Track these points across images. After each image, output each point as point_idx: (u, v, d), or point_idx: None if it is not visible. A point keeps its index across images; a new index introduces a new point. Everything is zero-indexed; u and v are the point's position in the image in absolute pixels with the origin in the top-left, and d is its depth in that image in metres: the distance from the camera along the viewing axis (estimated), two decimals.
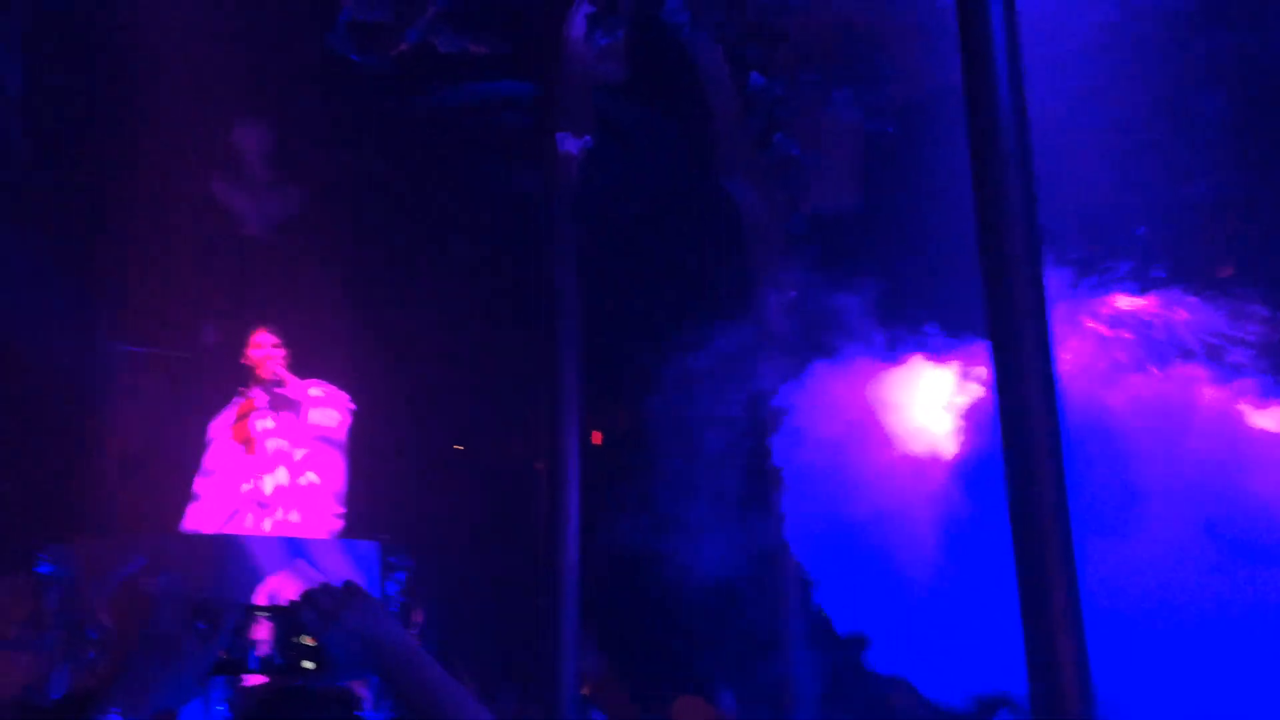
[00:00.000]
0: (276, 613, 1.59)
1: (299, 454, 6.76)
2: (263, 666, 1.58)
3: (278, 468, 6.75)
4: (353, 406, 6.97)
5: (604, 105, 4.49)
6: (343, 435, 6.89)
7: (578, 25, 4.15)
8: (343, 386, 7.07)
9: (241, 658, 1.58)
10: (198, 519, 6.71)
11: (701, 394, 7.74)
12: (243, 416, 6.85)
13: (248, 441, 6.82)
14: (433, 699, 1.55)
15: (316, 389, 6.88)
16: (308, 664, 1.57)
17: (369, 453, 7.12)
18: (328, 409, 6.88)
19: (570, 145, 4.12)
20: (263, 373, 6.70)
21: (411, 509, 7.86)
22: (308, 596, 1.60)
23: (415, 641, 1.61)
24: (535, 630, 6.31)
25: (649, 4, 4.41)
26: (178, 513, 6.81)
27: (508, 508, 8.66)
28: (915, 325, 4.91)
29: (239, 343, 7.00)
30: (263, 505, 6.72)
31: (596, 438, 9.28)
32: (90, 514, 7.65)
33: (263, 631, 1.59)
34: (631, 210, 6.22)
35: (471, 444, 9.07)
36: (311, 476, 6.79)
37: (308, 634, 1.56)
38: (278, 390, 6.72)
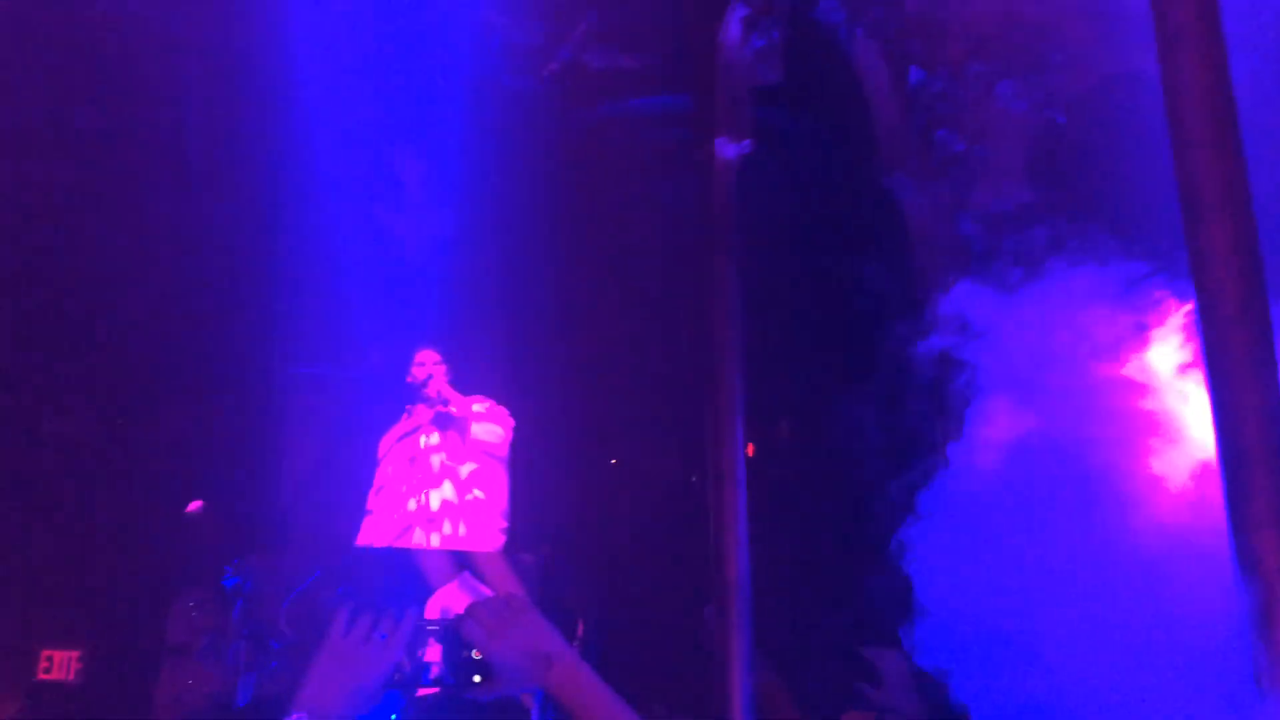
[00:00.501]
0: (445, 627, 1.62)
1: (464, 470, 6.90)
2: (435, 680, 1.61)
3: (444, 482, 6.91)
4: (513, 422, 7.08)
5: (760, 110, 4.41)
6: (505, 450, 7.01)
7: (733, 29, 4.09)
8: (503, 402, 7.20)
9: (416, 672, 1.62)
10: (370, 534, 6.91)
11: (862, 406, 7.57)
12: (409, 433, 7.05)
13: (414, 458, 7.01)
14: (595, 713, 1.55)
15: (479, 405, 7.02)
16: (476, 678, 1.58)
17: (529, 466, 7.22)
18: (491, 424, 7.01)
19: (729, 151, 4.06)
20: (427, 391, 6.89)
21: (571, 522, 7.93)
22: (472, 611, 1.61)
23: (577, 655, 1.61)
24: (702, 644, 6.26)
25: (803, 4, 4.32)
26: (351, 528, 7.04)
27: (665, 521, 8.64)
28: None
29: (403, 362, 7.22)
30: (430, 520, 6.88)
31: (749, 449, 9.18)
32: (269, 531, 7.98)
33: (434, 646, 1.62)
34: (790, 217, 6.12)
35: (629, 457, 9.10)
36: (477, 492, 6.91)
37: (473, 649, 1.58)
38: (442, 408, 6.90)
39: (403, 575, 6.74)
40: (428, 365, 6.97)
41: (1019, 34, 4.72)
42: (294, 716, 1.52)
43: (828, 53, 4.74)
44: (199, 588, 7.63)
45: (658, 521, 8.71)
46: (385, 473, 7.13)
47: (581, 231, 8.42)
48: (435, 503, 6.93)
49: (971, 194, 4.92)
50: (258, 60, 7.88)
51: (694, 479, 9.03)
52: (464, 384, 7.11)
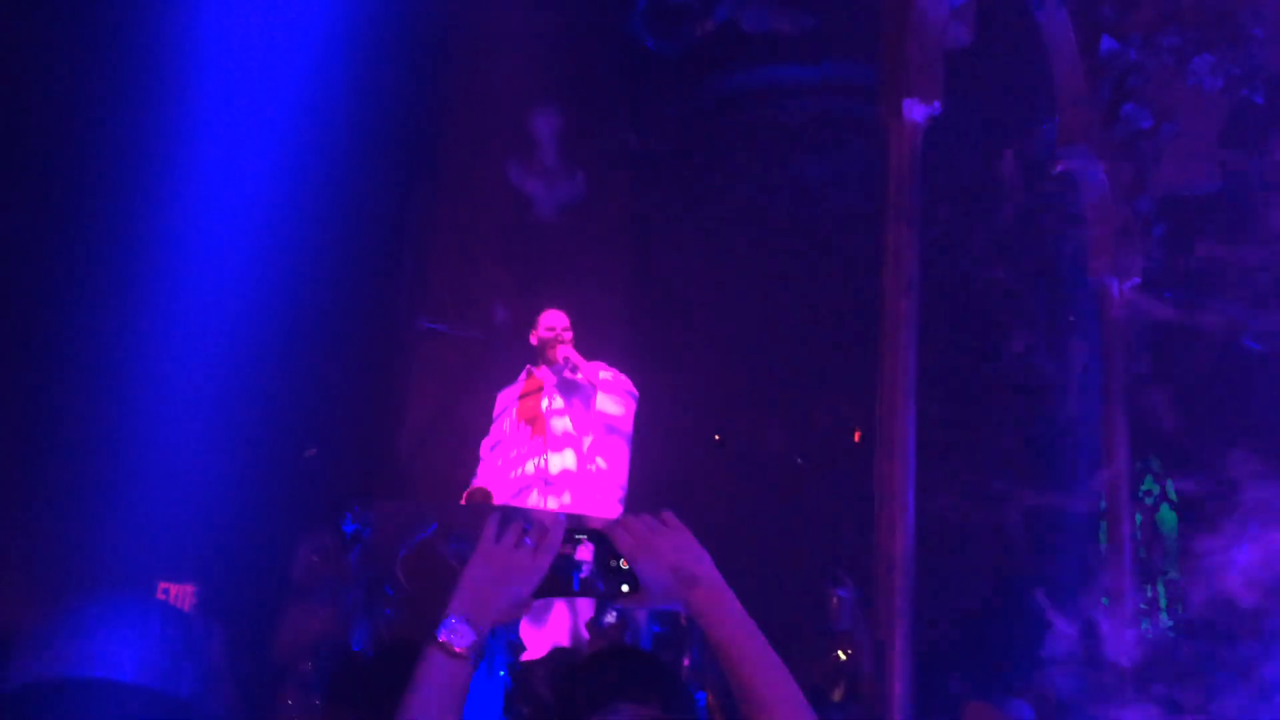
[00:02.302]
0: (595, 535, 1.59)
1: (587, 440, 6.82)
2: (584, 588, 1.60)
3: (565, 449, 6.84)
4: (637, 394, 6.98)
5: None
6: (628, 425, 6.91)
7: None
8: (625, 370, 7.14)
9: (566, 579, 1.60)
10: (485, 487, 6.90)
11: (1021, 389, 7.32)
12: (530, 394, 6.98)
13: (534, 419, 6.95)
14: (739, 641, 1.54)
15: (605, 373, 6.92)
16: (624, 587, 1.58)
17: (648, 438, 7.16)
18: (615, 396, 6.89)
19: (917, 113, 3.91)
20: (552, 354, 6.77)
21: (688, 497, 7.86)
22: (624, 521, 1.60)
23: (723, 581, 1.59)
24: (831, 627, 6.14)
25: None
26: (467, 484, 7.06)
27: (776, 500, 8.53)
28: None
29: (527, 322, 7.17)
30: (548, 484, 6.83)
31: (856, 435, 9.01)
32: (389, 480, 8.09)
33: (585, 555, 1.60)
34: (962, 187, 5.93)
35: (747, 432, 8.99)
36: (600, 462, 6.84)
37: (622, 558, 1.56)
38: (569, 374, 6.78)
39: None
40: (557, 329, 6.85)
41: (1217, 3, 4.46)
42: (450, 619, 1.51)
43: (1015, 16, 4.54)
44: (321, 532, 7.73)
45: (768, 501, 8.61)
46: (502, 430, 7.08)
47: (715, 201, 8.31)
48: (555, 467, 6.87)
49: (1156, 173, 4.69)
50: (404, 11, 7.92)
51: (799, 460, 8.90)
52: (587, 349, 7.03)
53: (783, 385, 8.53)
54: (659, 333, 8.48)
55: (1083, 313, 4.84)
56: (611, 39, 8.06)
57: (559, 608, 6.32)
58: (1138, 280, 4.75)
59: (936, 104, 3.92)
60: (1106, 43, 4.44)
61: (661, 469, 7.75)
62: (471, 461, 7.21)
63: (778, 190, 8.46)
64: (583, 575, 1.60)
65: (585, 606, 6.29)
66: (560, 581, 1.60)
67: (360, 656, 6.38)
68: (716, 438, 9.39)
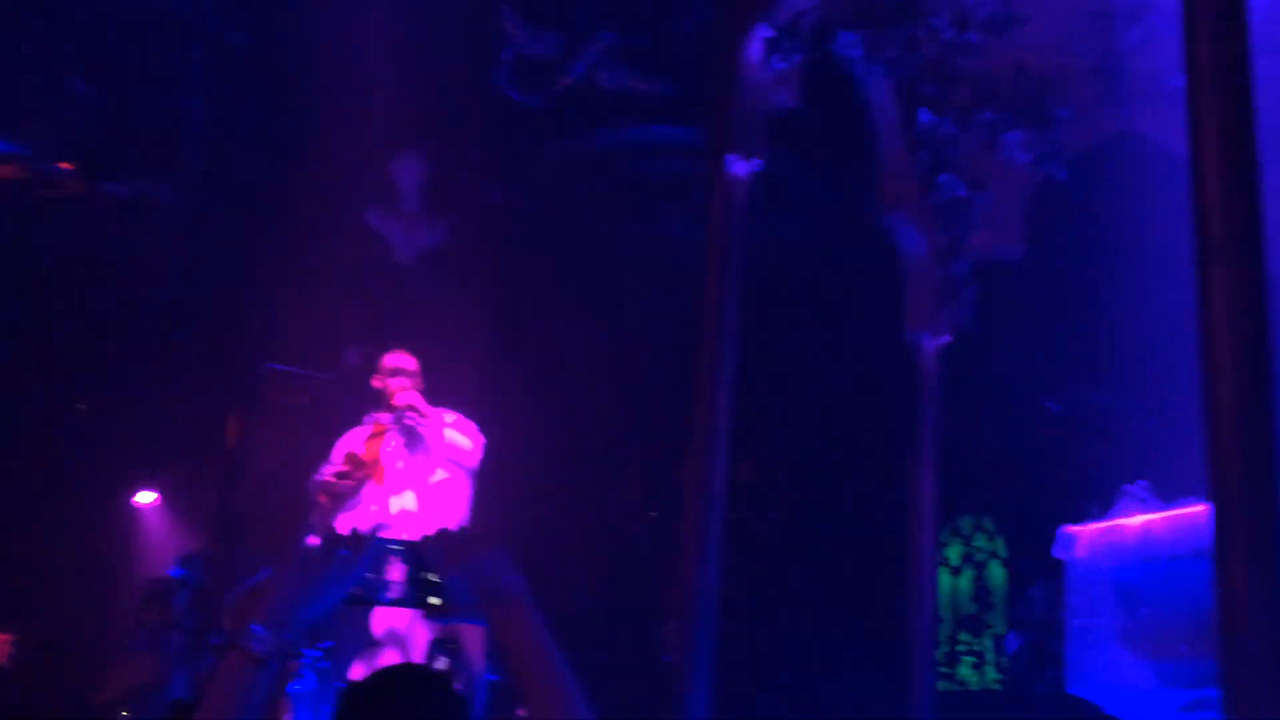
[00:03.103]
0: (408, 548, 1.65)
1: (428, 479, 6.76)
2: (393, 601, 1.67)
3: (405, 491, 6.77)
4: (484, 440, 6.95)
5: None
6: (473, 462, 6.88)
7: (755, 47, 4.15)
8: (478, 418, 7.12)
9: (378, 590, 1.67)
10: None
11: (843, 452, 7.61)
12: (373, 438, 6.89)
13: (374, 463, 6.85)
14: (538, 662, 1.55)
15: (450, 416, 6.88)
16: (433, 600, 1.63)
17: (496, 487, 7.15)
18: (460, 438, 6.85)
19: (739, 168, 4.09)
20: (396, 401, 6.66)
21: (535, 544, 7.86)
22: (438, 536, 1.64)
23: (532, 601, 1.61)
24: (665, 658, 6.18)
25: (823, 37, 4.38)
26: (306, 528, 6.90)
27: (626, 551, 8.60)
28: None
29: (378, 366, 7.09)
30: (387, 526, 6.73)
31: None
32: (227, 524, 7.85)
33: (396, 570, 1.65)
34: (785, 249, 6.17)
35: (589, 481, 9.05)
36: (438, 501, 6.78)
37: (432, 570, 1.62)
38: (409, 417, 6.69)
39: None
40: (401, 375, 6.75)
41: (1028, 86, 4.81)
42: (253, 629, 1.52)
43: (841, 86, 4.81)
44: (152, 579, 7.47)
45: (617, 551, 8.67)
46: (343, 470, 6.94)
47: (574, 254, 8.43)
48: (394, 508, 6.78)
49: (968, 239, 4.98)
50: (266, 50, 7.90)
51: (650, 514, 9.00)
52: (437, 396, 6.97)
53: (639, 437, 8.65)
54: (514, 383, 8.50)
55: (897, 369, 5.08)
56: (478, 89, 8.17)
57: (391, 656, 6.22)
58: (949, 338, 5.02)
59: (758, 160, 4.11)
60: (925, 115, 4.74)
61: (509, 518, 7.74)
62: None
63: (638, 246, 8.65)
64: (394, 587, 1.65)
65: (417, 650, 6.20)
66: (372, 592, 1.65)
67: (180, 704, 6.14)
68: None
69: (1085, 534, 3.88)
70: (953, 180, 4.84)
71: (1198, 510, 3.00)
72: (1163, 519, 3.55)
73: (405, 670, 1.85)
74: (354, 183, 8.45)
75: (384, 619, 6.16)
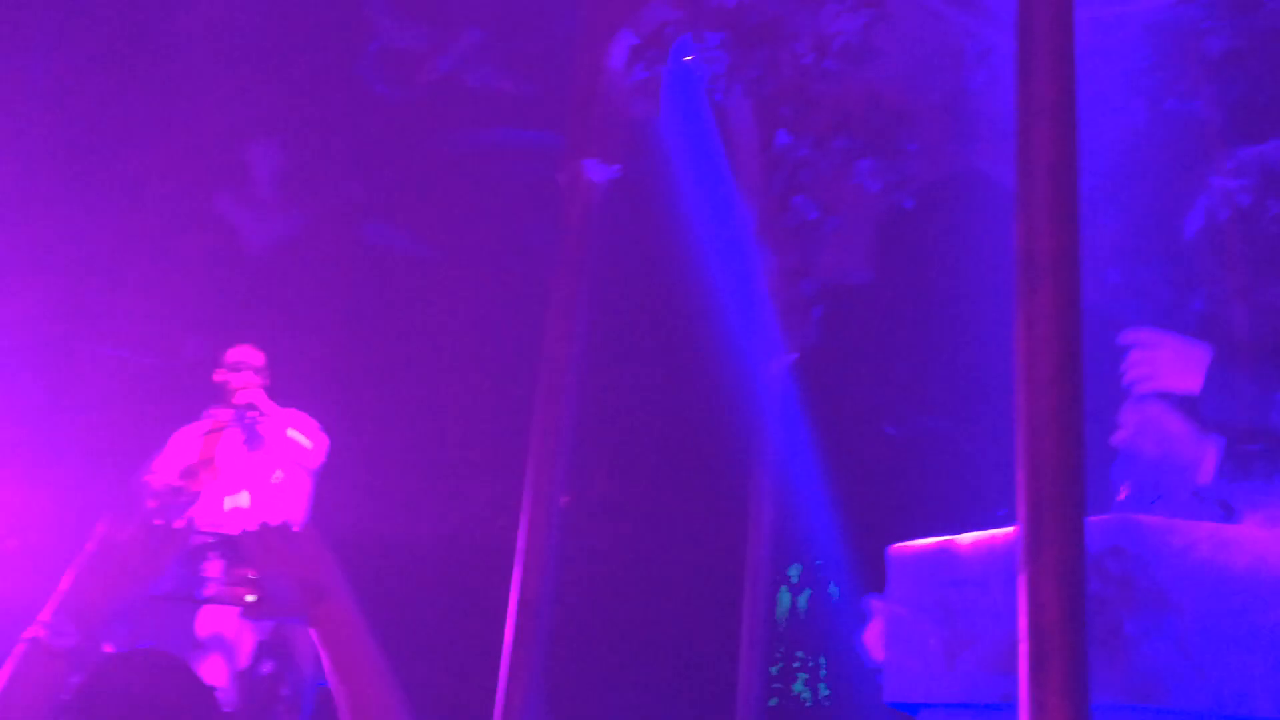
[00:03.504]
0: (226, 543, 1.56)
1: (266, 479, 6.56)
2: (209, 598, 1.57)
3: (241, 491, 6.55)
4: (327, 440, 6.77)
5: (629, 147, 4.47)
6: (314, 466, 6.70)
7: (618, 54, 4.17)
8: (322, 415, 6.93)
9: (193, 585, 1.56)
10: None
11: (688, 462, 7.69)
12: (209, 434, 6.65)
13: (210, 460, 6.61)
14: (356, 661, 1.50)
15: (292, 417, 6.68)
16: (249, 597, 1.55)
17: (341, 485, 6.97)
18: (302, 439, 6.65)
19: (597, 174, 4.10)
20: (236, 399, 6.43)
21: (375, 546, 7.69)
22: (258, 530, 1.57)
23: (354, 599, 1.56)
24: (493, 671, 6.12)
25: (686, 50, 4.43)
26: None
27: (468, 562, 8.49)
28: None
29: (220, 358, 6.85)
30: (219, 522, 6.50)
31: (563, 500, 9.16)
32: (56, 514, 7.44)
33: (215, 561, 1.56)
34: (641, 262, 6.21)
35: (438, 488, 8.92)
36: (276, 502, 6.58)
37: (249, 566, 1.54)
38: (250, 414, 6.47)
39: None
40: (244, 370, 6.52)
41: (881, 117, 4.97)
42: (54, 616, 1.43)
43: (702, 102, 4.88)
44: None
45: (462, 560, 8.56)
46: (176, 470, 6.68)
47: (432, 251, 8.31)
48: (228, 506, 6.55)
49: (817, 261, 5.11)
50: (120, 25, 7.56)
51: (500, 520, 8.93)
52: (281, 392, 6.76)
53: (491, 442, 8.57)
54: (363, 383, 8.32)
55: (745, 385, 5.17)
56: (342, 79, 7.99)
57: (215, 659, 5.99)
58: (795, 356, 5.14)
59: (616, 167, 4.13)
60: (782, 137, 4.84)
61: (354, 518, 7.55)
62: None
63: (498, 248, 8.58)
64: (210, 582, 1.55)
65: (243, 653, 5.99)
66: (187, 587, 1.55)
67: None
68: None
69: (909, 552, 3.99)
70: (806, 202, 4.95)
71: (1011, 532, 3.12)
72: (981, 539, 3.68)
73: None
74: (206, 166, 8.15)
75: (208, 621, 5.93)
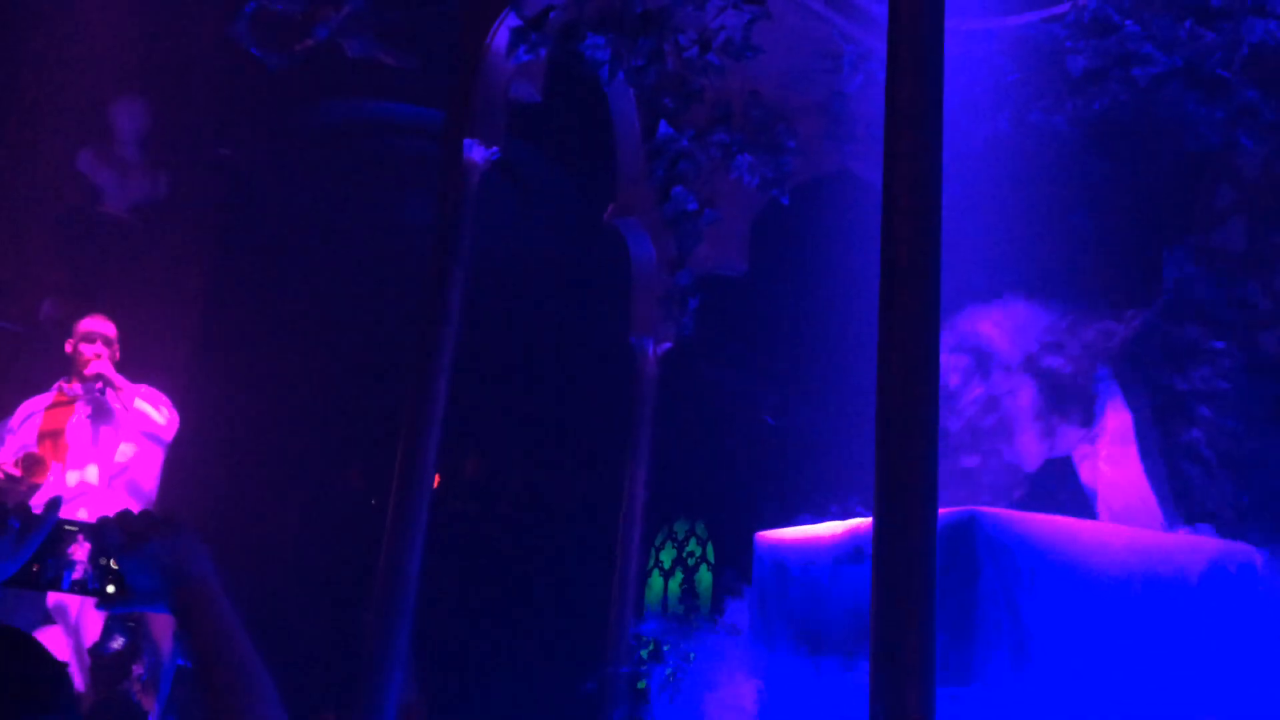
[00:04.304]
0: (87, 530, 1.52)
1: (116, 454, 6.33)
2: (74, 587, 1.52)
3: (88, 465, 6.31)
4: (177, 415, 6.54)
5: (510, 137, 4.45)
6: (166, 439, 6.48)
7: (501, 35, 4.13)
8: (180, 385, 6.70)
9: (56, 575, 1.51)
10: None
11: (563, 445, 7.71)
12: (56, 405, 6.38)
13: (58, 434, 6.36)
14: (220, 646, 1.47)
15: (143, 392, 6.45)
16: (110, 587, 1.51)
17: (193, 460, 6.76)
18: (152, 412, 6.43)
19: (477, 154, 4.06)
20: (87, 370, 6.18)
21: (237, 523, 7.49)
22: (121, 517, 1.53)
23: (219, 587, 1.52)
24: (360, 651, 6.05)
25: (571, 36, 4.43)
26: None
27: (339, 542, 8.35)
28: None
29: (77, 322, 6.57)
30: (65, 499, 6.23)
31: (435, 480, 9.08)
32: None
33: (79, 550, 1.52)
34: (524, 245, 6.17)
35: (308, 466, 8.73)
36: (128, 479, 6.36)
37: (111, 555, 1.50)
38: (99, 388, 6.22)
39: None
40: (96, 342, 6.27)
41: (761, 113, 5.05)
42: None
43: (583, 90, 4.88)
44: None
45: (330, 537, 8.40)
46: (19, 443, 6.40)
47: (301, 223, 8.09)
48: (73, 481, 6.29)
49: (695, 252, 5.17)
50: None
51: (372, 502, 8.80)
52: (134, 362, 6.51)
53: (363, 420, 8.41)
54: (228, 355, 8.07)
55: (621, 371, 5.21)
56: (214, 40, 7.71)
57: (60, 634, 5.77)
58: (670, 345, 5.19)
59: (496, 149, 4.10)
60: (663, 128, 4.88)
61: (215, 497, 7.33)
62: None
63: (373, 223, 8.41)
64: (74, 574, 1.50)
65: (90, 627, 5.79)
66: (49, 577, 1.49)
67: None
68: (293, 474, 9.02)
69: (771, 539, 4.11)
70: (685, 194, 5.00)
71: (867, 521, 3.24)
72: (837, 527, 3.81)
73: None
74: (66, 123, 7.77)
75: (57, 595, 5.73)
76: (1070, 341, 4.38)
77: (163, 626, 5.92)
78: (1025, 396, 4.36)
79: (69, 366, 6.25)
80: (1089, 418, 4.23)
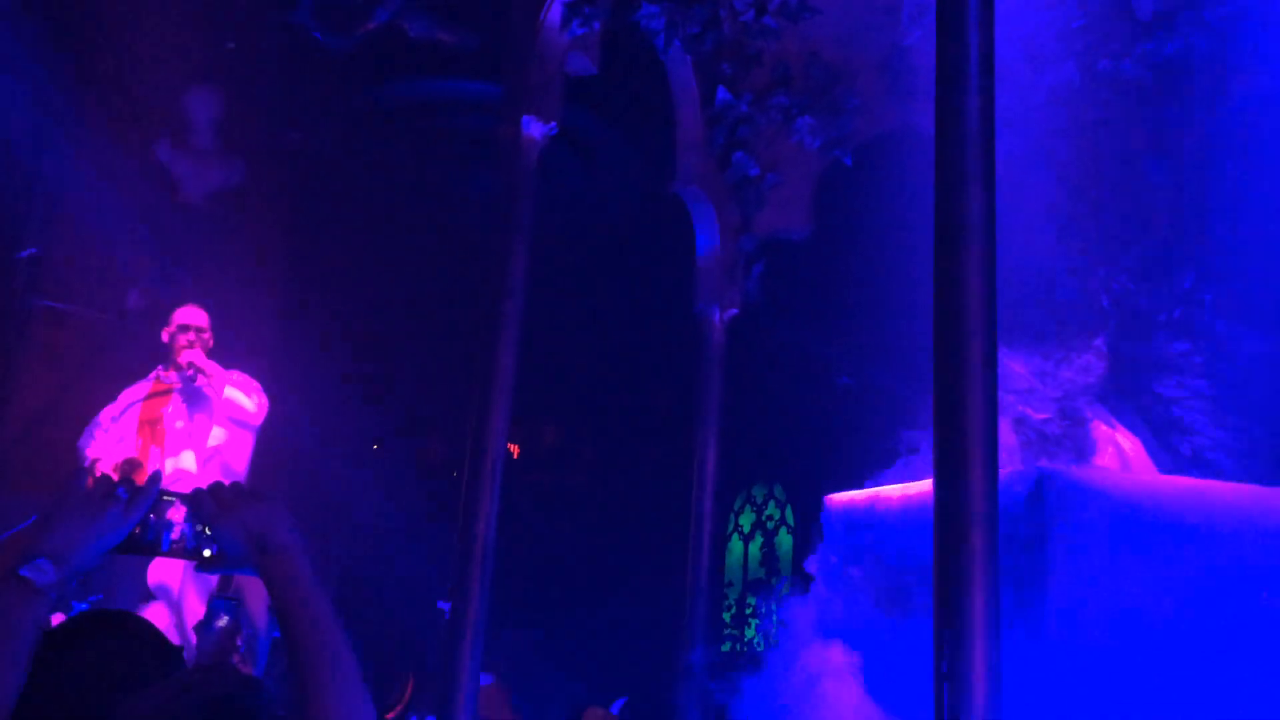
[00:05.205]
0: (186, 499, 1.65)
1: (209, 439, 6.55)
2: (173, 550, 1.64)
3: (184, 452, 6.54)
4: (267, 400, 6.73)
5: (568, 108, 4.48)
6: (256, 424, 6.68)
7: (554, 11, 4.16)
8: (263, 367, 6.88)
9: (156, 539, 1.64)
10: None
11: (636, 413, 7.75)
12: (155, 395, 6.61)
13: (155, 421, 6.59)
14: (303, 608, 1.58)
15: (235, 378, 6.64)
16: (206, 552, 1.63)
17: (282, 440, 6.96)
18: (243, 398, 6.63)
19: (535, 130, 4.10)
20: (180, 358, 6.39)
21: (325, 502, 7.71)
22: (213, 488, 1.66)
23: (304, 556, 1.64)
24: (441, 629, 6.21)
25: (625, 6, 4.43)
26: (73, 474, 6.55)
27: (423, 509, 8.53)
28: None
29: (163, 309, 6.79)
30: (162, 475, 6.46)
31: (513, 450, 9.20)
32: None
33: (176, 516, 1.65)
34: (586, 216, 6.21)
35: (395, 441, 8.93)
36: (220, 462, 6.58)
37: (205, 522, 1.63)
38: (192, 376, 6.43)
39: None
40: (190, 331, 6.47)
41: (820, 74, 5.00)
42: (38, 561, 1.52)
43: (642, 59, 4.88)
44: None
45: (415, 509, 8.59)
46: (120, 429, 6.65)
47: (374, 204, 8.24)
48: (170, 469, 6.53)
49: (758, 216, 5.16)
50: None
51: (455, 474, 8.97)
52: (224, 347, 6.71)
53: (438, 398, 8.57)
54: (308, 334, 8.27)
55: (685, 340, 5.23)
56: (280, 27, 7.85)
57: (159, 609, 6.02)
58: (736, 311, 5.20)
59: (554, 124, 4.14)
60: (722, 94, 4.86)
61: (314, 475, 7.55)
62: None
63: (440, 199, 8.52)
64: (173, 536, 1.63)
65: (194, 607, 6.02)
66: (150, 540, 1.62)
67: None
68: (375, 446, 9.27)
69: (841, 501, 4.13)
70: (746, 159, 4.99)
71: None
72: (909, 489, 3.81)
73: (108, 615, 1.82)
74: (143, 115, 7.99)
75: (157, 572, 5.96)
76: (1047, 385, 4.31)
77: (258, 601, 6.13)
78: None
79: (164, 355, 6.46)
80: (1081, 454, 4.16)
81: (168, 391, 6.45)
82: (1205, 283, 4.37)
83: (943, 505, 2.58)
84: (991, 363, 2.62)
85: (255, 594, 5.81)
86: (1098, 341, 4.48)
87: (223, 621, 6.18)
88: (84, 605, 5.58)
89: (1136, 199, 4.77)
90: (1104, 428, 4.15)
